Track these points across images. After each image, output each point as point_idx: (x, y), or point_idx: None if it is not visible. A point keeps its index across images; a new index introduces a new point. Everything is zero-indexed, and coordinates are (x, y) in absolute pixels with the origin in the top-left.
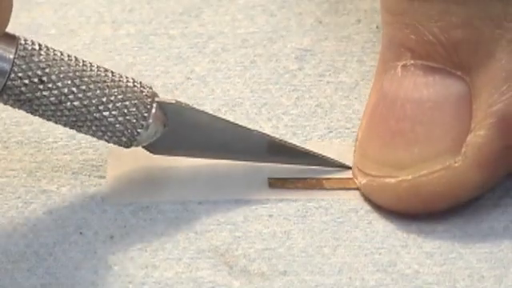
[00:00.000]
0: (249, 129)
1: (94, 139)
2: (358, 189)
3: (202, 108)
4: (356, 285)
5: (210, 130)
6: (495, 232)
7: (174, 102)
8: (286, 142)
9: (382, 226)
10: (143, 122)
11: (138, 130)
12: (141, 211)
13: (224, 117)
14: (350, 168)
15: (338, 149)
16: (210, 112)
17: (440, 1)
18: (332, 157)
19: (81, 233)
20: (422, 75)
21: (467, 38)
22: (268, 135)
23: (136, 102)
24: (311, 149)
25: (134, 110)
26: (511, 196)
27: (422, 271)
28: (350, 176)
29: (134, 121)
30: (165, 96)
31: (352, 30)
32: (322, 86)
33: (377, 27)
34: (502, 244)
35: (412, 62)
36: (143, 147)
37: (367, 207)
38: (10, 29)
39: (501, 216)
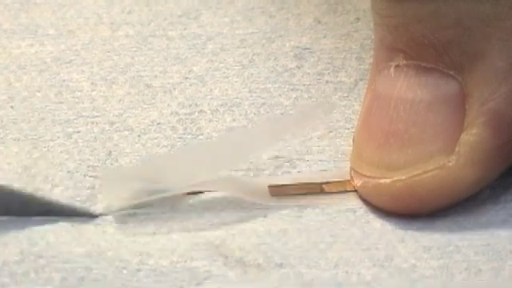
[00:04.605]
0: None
1: (92, 139)
2: (355, 190)
3: (199, 109)
4: (352, 279)
5: None
6: (493, 225)
7: None
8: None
9: (379, 224)
10: None
11: None
12: (134, 212)
13: (222, 117)
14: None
15: (338, 149)
16: (209, 112)
17: (430, 2)
18: (331, 157)
19: (72, 226)
20: (414, 75)
21: (458, 38)
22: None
23: None
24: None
25: None
26: (510, 193)
27: (419, 265)
28: (348, 178)
29: None
30: (163, 97)
31: (351, 28)
32: (321, 86)
33: None
34: (500, 237)
35: (405, 62)
36: None
37: (365, 207)
38: (9, 29)
39: (499, 210)
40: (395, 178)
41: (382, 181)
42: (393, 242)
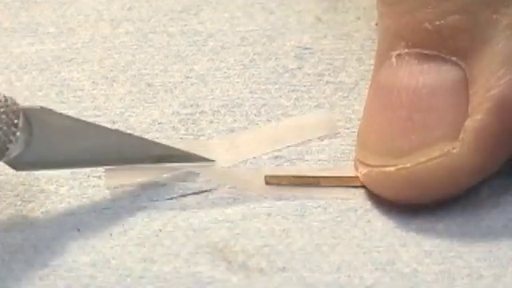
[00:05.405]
0: (117, 130)
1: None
2: (354, 186)
3: (201, 109)
4: (354, 283)
5: (77, 135)
6: (494, 231)
7: (38, 108)
8: (151, 141)
9: (380, 224)
10: (14, 130)
11: (11, 138)
12: (139, 211)
13: (223, 118)
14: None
15: (338, 149)
16: (210, 112)
17: None
18: (331, 157)
19: (78, 230)
20: (416, 63)
21: (464, 24)
22: (133, 136)
23: (4, 109)
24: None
25: (4, 117)
26: (510, 194)
27: (420, 270)
28: (347, 174)
29: (6, 128)
30: (164, 96)
31: (351, 28)
32: (321, 86)
33: (376, 24)
34: (501, 243)
35: (406, 50)
36: (6, 163)
37: (366, 206)
38: (9, 27)
39: (500, 215)
40: (400, 166)
41: (387, 169)
42: (394, 246)
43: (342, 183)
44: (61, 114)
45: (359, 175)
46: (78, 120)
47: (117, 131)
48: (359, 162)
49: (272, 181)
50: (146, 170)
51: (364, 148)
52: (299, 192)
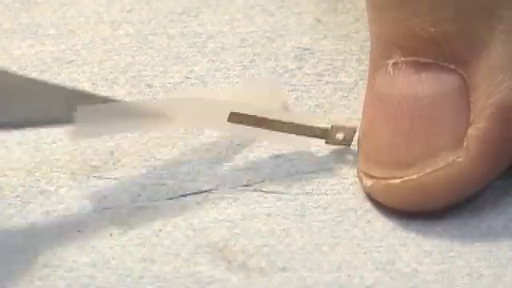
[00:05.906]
0: (73, 88)
1: (94, 140)
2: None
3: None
4: (355, 283)
5: (31, 94)
6: (494, 231)
7: None
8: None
9: (380, 224)
10: None
11: None
12: (139, 211)
13: None
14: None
15: (338, 149)
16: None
17: None
18: (331, 158)
19: (79, 231)
20: (414, 72)
21: (460, 30)
22: (87, 93)
23: None
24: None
25: None
26: (510, 195)
27: (420, 270)
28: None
29: None
30: (165, 96)
31: (351, 29)
32: (321, 86)
33: None
34: (501, 243)
35: (402, 59)
36: None
37: (366, 206)
38: (9, 29)
39: (500, 215)
40: (406, 178)
41: (392, 181)
42: (395, 246)
43: (305, 133)
44: (13, 73)
45: (364, 188)
46: (29, 79)
47: (72, 89)
48: (363, 173)
49: (234, 119)
50: (110, 125)
51: (367, 159)
52: (297, 189)
